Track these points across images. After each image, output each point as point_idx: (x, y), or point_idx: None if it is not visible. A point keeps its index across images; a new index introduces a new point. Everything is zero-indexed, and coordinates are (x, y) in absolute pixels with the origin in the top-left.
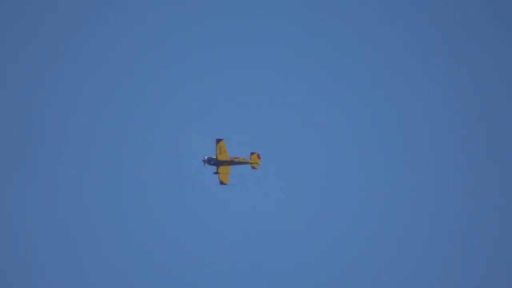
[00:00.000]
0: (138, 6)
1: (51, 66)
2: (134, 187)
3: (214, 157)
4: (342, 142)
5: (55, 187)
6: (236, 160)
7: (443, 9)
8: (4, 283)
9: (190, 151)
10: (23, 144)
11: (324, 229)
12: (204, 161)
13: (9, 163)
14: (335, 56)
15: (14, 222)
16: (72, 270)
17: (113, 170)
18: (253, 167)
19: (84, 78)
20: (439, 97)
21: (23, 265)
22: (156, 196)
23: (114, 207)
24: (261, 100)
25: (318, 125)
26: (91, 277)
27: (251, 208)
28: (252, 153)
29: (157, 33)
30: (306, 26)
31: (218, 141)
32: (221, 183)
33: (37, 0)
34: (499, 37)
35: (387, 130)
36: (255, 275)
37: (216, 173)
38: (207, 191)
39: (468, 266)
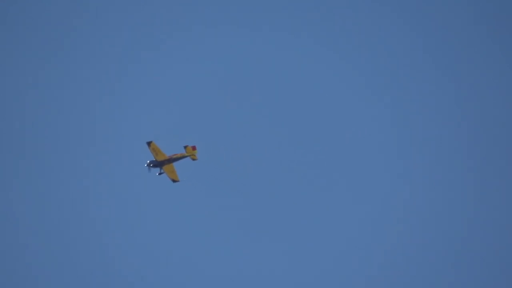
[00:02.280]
0: None
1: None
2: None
3: (154, 159)
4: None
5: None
6: (174, 157)
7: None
8: None
9: (132, 158)
10: None
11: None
12: (147, 165)
13: None
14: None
15: None
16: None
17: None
18: (192, 159)
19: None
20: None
21: None
22: (123, 204)
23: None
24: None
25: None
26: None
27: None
28: (185, 146)
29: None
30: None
31: (149, 144)
32: (174, 181)
33: None
34: None
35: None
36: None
37: (161, 173)
38: (164, 192)
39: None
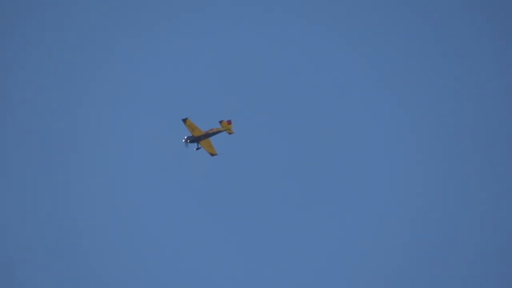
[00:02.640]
0: None
1: None
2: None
3: (191, 135)
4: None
5: None
6: (210, 131)
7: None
8: None
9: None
10: None
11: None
12: (184, 141)
13: None
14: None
15: None
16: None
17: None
18: (229, 133)
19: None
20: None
21: None
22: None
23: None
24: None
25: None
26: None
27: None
28: (221, 121)
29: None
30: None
31: (184, 120)
32: (212, 155)
33: None
34: None
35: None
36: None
37: (198, 148)
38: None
39: None
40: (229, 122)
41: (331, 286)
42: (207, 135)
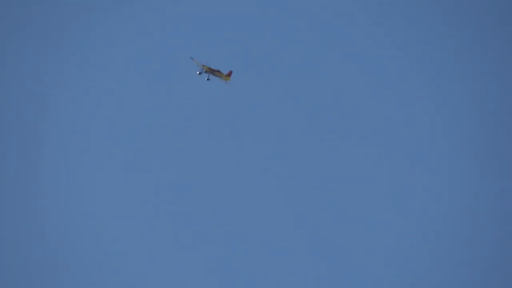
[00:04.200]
0: None
1: None
2: None
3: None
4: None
5: None
6: (216, 70)
7: None
8: None
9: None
10: None
11: None
12: (198, 72)
13: None
14: None
15: None
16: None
17: None
18: (226, 81)
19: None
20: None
21: None
22: None
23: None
24: None
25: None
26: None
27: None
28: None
29: None
30: None
31: (192, 58)
32: (226, 81)
33: None
34: None
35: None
36: None
37: (208, 79)
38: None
39: None
40: (229, 74)
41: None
42: (213, 71)
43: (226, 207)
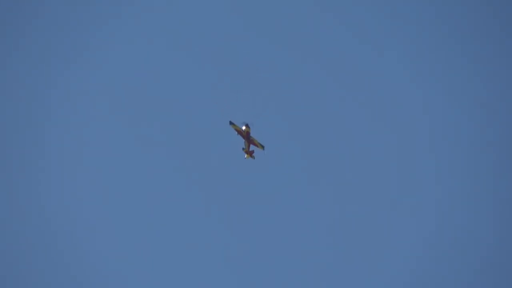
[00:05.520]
0: None
1: None
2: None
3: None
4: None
5: None
6: (251, 139)
7: None
8: None
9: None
10: None
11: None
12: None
13: None
14: None
15: None
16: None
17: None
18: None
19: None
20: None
21: None
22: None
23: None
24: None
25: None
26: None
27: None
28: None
29: None
30: None
31: (231, 123)
32: (262, 148)
33: None
34: None
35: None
36: None
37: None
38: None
39: None
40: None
41: None
42: (250, 139)
43: (226, 207)
